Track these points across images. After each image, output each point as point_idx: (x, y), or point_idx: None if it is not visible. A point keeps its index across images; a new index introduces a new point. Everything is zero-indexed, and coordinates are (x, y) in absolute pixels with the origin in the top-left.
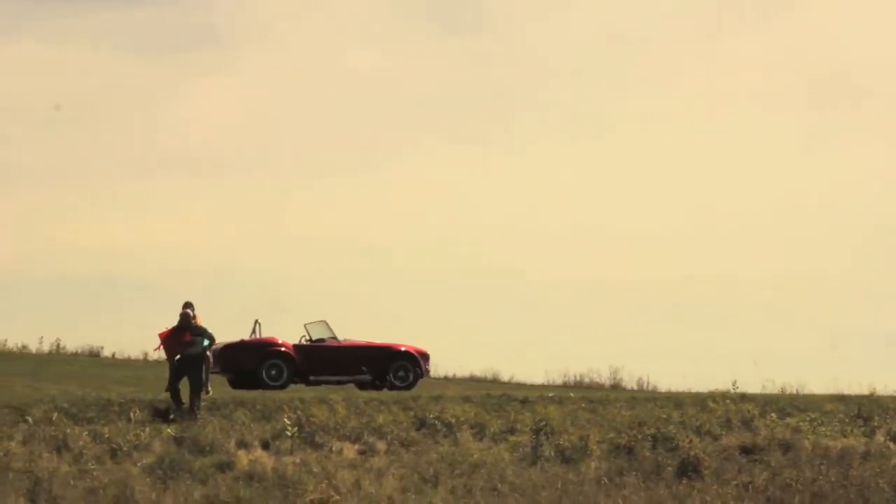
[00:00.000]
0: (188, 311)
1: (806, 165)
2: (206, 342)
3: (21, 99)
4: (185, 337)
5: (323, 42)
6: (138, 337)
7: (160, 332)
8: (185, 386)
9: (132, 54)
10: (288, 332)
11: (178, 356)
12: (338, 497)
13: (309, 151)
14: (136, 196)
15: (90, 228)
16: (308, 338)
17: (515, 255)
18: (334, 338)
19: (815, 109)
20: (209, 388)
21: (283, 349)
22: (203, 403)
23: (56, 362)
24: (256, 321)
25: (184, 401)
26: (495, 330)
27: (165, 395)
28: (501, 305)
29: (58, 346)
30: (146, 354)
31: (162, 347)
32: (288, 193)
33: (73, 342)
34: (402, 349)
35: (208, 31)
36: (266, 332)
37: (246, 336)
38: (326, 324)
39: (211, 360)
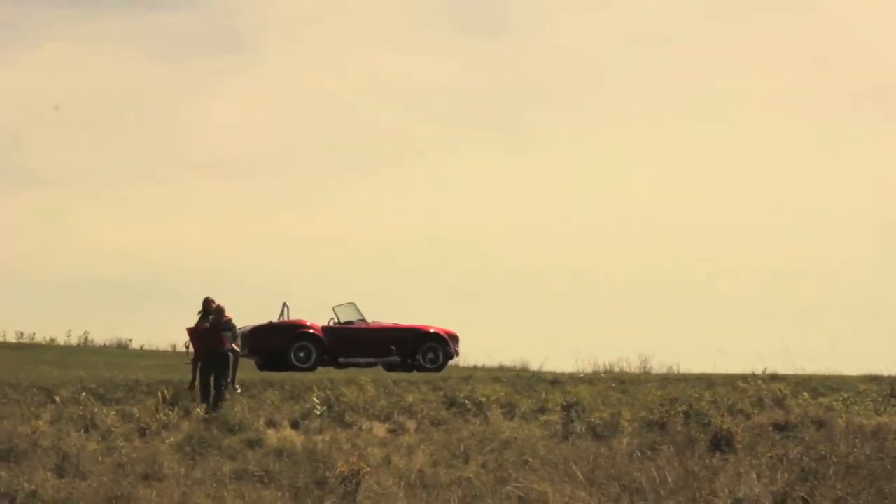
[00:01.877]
0: (220, 305)
1: (830, 160)
2: (233, 338)
3: (48, 102)
4: (214, 332)
5: (347, 44)
6: (166, 330)
7: (188, 326)
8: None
9: (158, 58)
10: (316, 317)
11: (207, 353)
12: (368, 469)
13: (333, 153)
14: (160, 198)
15: (115, 229)
16: (336, 320)
17: (542, 250)
18: (363, 320)
19: (849, 110)
20: (237, 387)
21: (311, 331)
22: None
23: (84, 353)
24: (285, 304)
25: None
26: (524, 323)
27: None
28: (530, 298)
29: (86, 338)
30: (174, 346)
31: (190, 342)
32: (312, 194)
33: (101, 335)
34: (431, 331)
35: (233, 34)
36: (294, 316)
37: (274, 318)
38: (355, 306)
39: (238, 356)
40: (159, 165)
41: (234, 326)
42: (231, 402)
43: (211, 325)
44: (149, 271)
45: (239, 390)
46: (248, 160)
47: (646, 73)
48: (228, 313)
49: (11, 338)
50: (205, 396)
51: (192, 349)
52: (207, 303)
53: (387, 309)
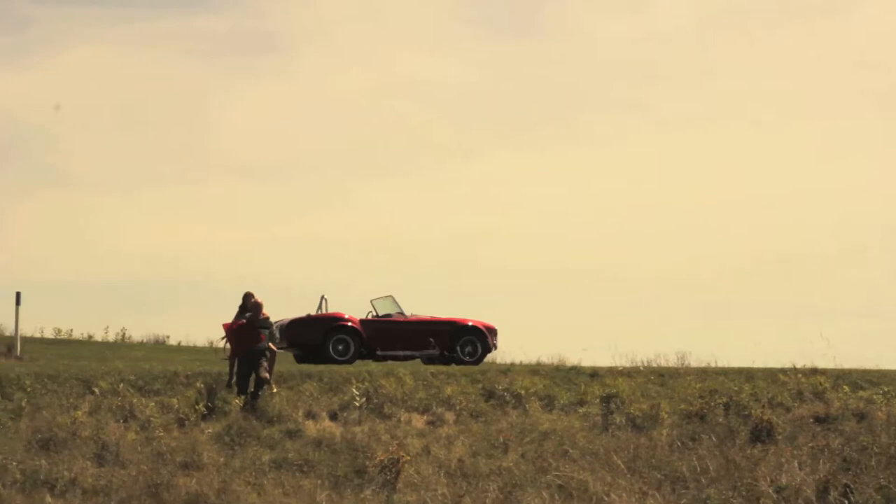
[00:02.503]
0: (258, 301)
1: (865, 158)
2: (270, 336)
3: (82, 104)
4: (252, 328)
5: (377, 45)
6: (202, 327)
7: (225, 322)
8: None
9: (190, 60)
10: (354, 311)
11: (244, 351)
12: (408, 457)
13: (364, 153)
14: (191, 198)
15: (146, 230)
16: (374, 313)
17: (576, 250)
18: (401, 313)
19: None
20: (274, 388)
21: (349, 324)
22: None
23: (122, 348)
24: (322, 297)
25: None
26: (560, 321)
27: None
28: (565, 297)
29: (123, 335)
30: (212, 342)
31: (227, 339)
32: (343, 194)
33: (138, 332)
34: (470, 324)
35: (265, 36)
36: (332, 309)
37: (312, 311)
38: (393, 299)
39: (274, 355)
40: (191, 166)
41: (271, 324)
42: (268, 397)
43: (247, 322)
44: (183, 271)
45: (274, 390)
46: (279, 160)
47: (675, 74)
48: (266, 311)
49: (49, 334)
50: (242, 390)
51: (227, 346)
52: (247, 297)
53: (423, 305)
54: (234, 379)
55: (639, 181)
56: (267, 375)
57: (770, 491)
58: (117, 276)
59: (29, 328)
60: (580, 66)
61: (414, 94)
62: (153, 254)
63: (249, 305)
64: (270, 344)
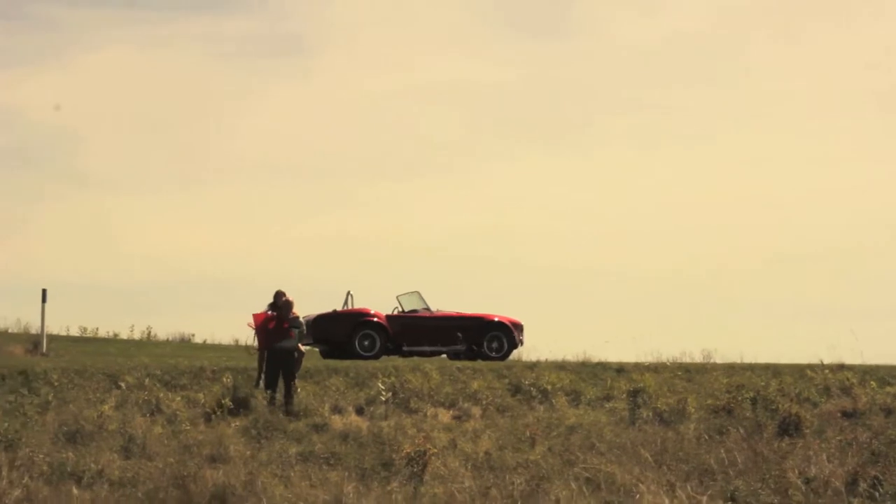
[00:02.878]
0: (289, 300)
1: (886, 154)
2: (300, 336)
3: (106, 105)
4: (281, 325)
5: (403, 47)
6: (227, 326)
7: (255, 313)
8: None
9: (215, 61)
10: (380, 306)
11: (272, 348)
12: (435, 450)
13: (389, 155)
14: (215, 199)
15: (170, 231)
16: (401, 309)
17: (602, 251)
18: (427, 308)
19: None
20: (298, 388)
21: (375, 319)
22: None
23: (148, 346)
24: (349, 292)
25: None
26: (584, 320)
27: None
28: (590, 297)
29: (149, 333)
30: (237, 340)
31: (255, 332)
32: (369, 195)
33: (164, 331)
34: (496, 319)
35: (291, 38)
36: (358, 305)
37: (338, 307)
38: (419, 294)
39: (302, 355)
40: (216, 167)
41: (301, 324)
42: (296, 388)
43: (277, 319)
44: (206, 272)
45: (299, 391)
46: (303, 162)
47: (706, 74)
48: (296, 310)
49: (75, 332)
50: (270, 387)
51: (256, 339)
52: (278, 295)
53: (449, 302)
54: (263, 378)
55: (663, 180)
56: (297, 388)
57: (799, 483)
58: (141, 277)
59: (54, 327)
60: (605, 66)
61: (437, 95)
62: (176, 255)
63: (280, 304)
64: (299, 344)
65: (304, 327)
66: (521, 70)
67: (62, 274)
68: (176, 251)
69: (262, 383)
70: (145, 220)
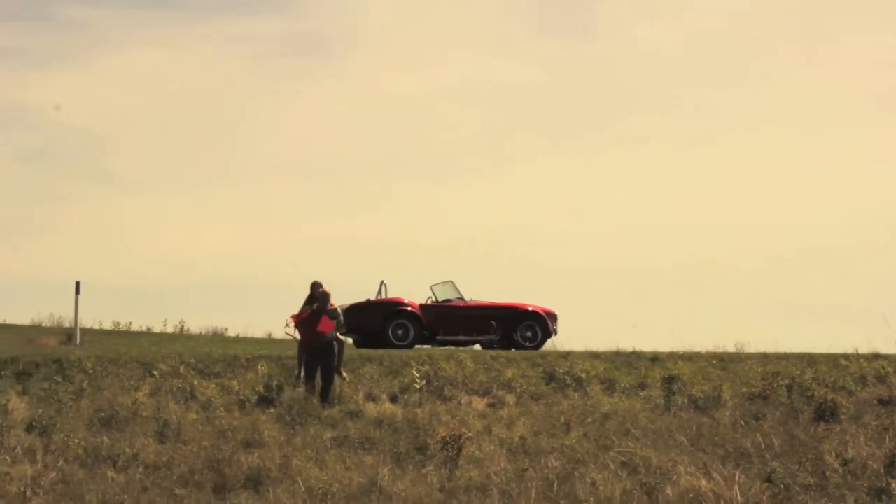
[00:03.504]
0: (326, 291)
1: None
2: (338, 326)
3: (134, 105)
4: (319, 317)
5: (430, 47)
6: (260, 321)
7: (293, 314)
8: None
9: (242, 62)
10: (414, 297)
11: (312, 343)
12: (470, 434)
13: (417, 154)
14: (242, 200)
15: (196, 232)
16: (434, 299)
17: (629, 248)
18: (461, 298)
19: None
20: (344, 375)
21: (409, 309)
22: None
23: (181, 338)
24: (382, 282)
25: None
26: (617, 315)
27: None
28: (621, 293)
29: (182, 327)
30: (270, 334)
31: (296, 330)
32: (397, 195)
33: (197, 325)
34: (530, 309)
35: (318, 38)
36: (392, 294)
37: (372, 297)
38: (453, 284)
39: (343, 345)
40: (244, 167)
41: (339, 315)
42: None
43: (315, 311)
44: (237, 272)
45: (346, 379)
46: (331, 162)
47: (729, 75)
48: (333, 301)
49: (108, 326)
50: (308, 380)
51: (298, 336)
52: (315, 287)
53: (482, 293)
54: (303, 373)
55: (689, 178)
56: (343, 374)
57: (836, 465)
58: (171, 277)
59: (87, 321)
60: (629, 67)
61: (464, 95)
62: (206, 255)
63: (317, 295)
64: (338, 335)
65: (342, 318)
66: (546, 71)
67: (90, 274)
68: (206, 251)
69: (302, 376)
70: (171, 222)
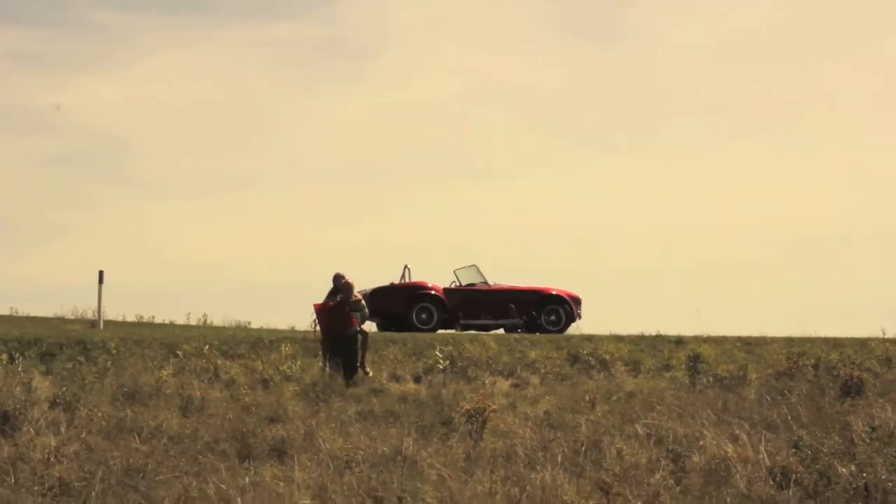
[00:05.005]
0: (349, 282)
1: None
2: (362, 319)
3: (160, 110)
4: (342, 310)
5: (452, 51)
6: (285, 317)
7: (315, 303)
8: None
9: (267, 67)
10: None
11: (333, 335)
12: (495, 406)
13: (442, 158)
14: (270, 204)
15: (220, 236)
16: (458, 283)
17: (656, 250)
18: (484, 282)
19: None
20: (368, 369)
21: (433, 292)
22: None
23: (204, 329)
24: (406, 266)
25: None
26: (641, 305)
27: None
28: (644, 293)
29: (205, 320)
30: (293, 327)
31: (316, 321)
32: (422, 198)
33: (220, 319)
34: (554, 293)
35: (343, 42)
36: (415, 278)
37: (395, 280)
38: (477, 268)
39: (367, 337)
40: (270, 171)
41: (363, 306)
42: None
43: (338, 304)
44: (260, 276)
45: (370, 374)
46: (358, 165)
47: (760, 75)
48: (357, 293)
49: (131, 318)
50: (332, 368)
51: (318, 328)
52: (337, 278)
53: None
54: (327, 366)
55: (722, 186)
56: (368, 369)
57: (863, 432)
58: (193, 280)
59: (110, 314)
60: (659, 69)
61: (492, 98)
62: (228, 257)
63: (341, 287)
64: (363, 327)
65: (367, 310)
66: (574, 73)
67: (112, 277)
68: (228, 254)
69: (326, 366)
70: (195, 224)
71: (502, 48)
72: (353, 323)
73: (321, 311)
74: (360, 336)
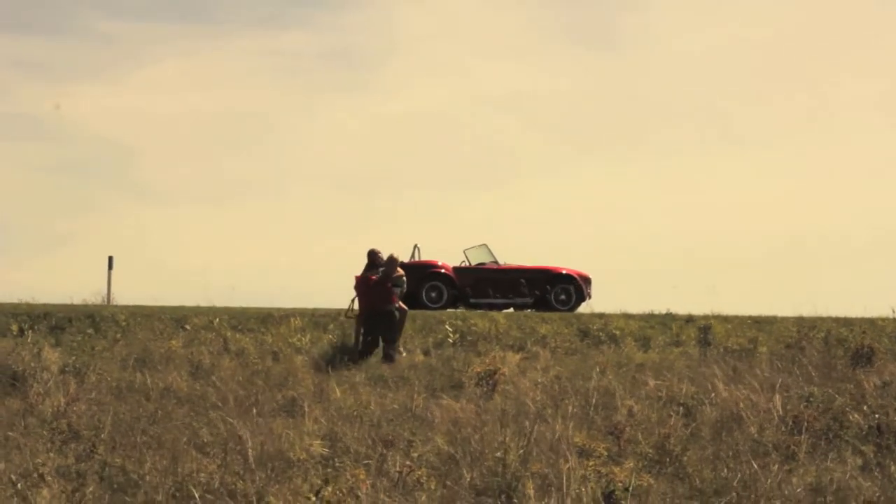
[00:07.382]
0: (394, 256)
1: None
2: (401, 295)
3: (166, 118)
4: (385, 285)
5: (457, 60)
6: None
7: (356, 275)
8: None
9: (273, 75)
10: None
11: (371, 311)
12: (505, 370)
13: (449, 166)
14: (272, 211)
15: (229, 245)
16: (468, 262)
17: (659, 257)
18: (494, 261)
19: None
20: (401, 349)
21: (443, 271)
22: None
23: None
24: (416, 245)
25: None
26: (651, 287)
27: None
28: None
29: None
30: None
31: (353, 303)
32: (430, 206)
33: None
34: (563, 272)
35: (349, 50)
36: (425, 258)
37: (405, 259)
38: (487, 247)
39: (405, 315)
40: (277, 180)
41: (404, 283)
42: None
43: (380, 278)
44: (273, 285)
45: (404, 353)
46: (364, 173)
47: (759, 83)
48: (400, 269)
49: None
50: (364, 354)
51: (356, 305)
52: (373, 255)
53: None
54: (360, 346)
55: (722, 194)
56: (401, 348)
57: (873, 388)
58: (199, 288)
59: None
60: (659, 76)
61: (496, 105)
62: (233, 266)
63: (381, 262)
64: (401, 304)
65: (406, 286)
66: (576, 80)
67: (117, 285)
68: (234, 263)
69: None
70: (201, 233)
71: (507, 57)
72: (394, 300)
73: (361, 285)
74: (397, 313)
